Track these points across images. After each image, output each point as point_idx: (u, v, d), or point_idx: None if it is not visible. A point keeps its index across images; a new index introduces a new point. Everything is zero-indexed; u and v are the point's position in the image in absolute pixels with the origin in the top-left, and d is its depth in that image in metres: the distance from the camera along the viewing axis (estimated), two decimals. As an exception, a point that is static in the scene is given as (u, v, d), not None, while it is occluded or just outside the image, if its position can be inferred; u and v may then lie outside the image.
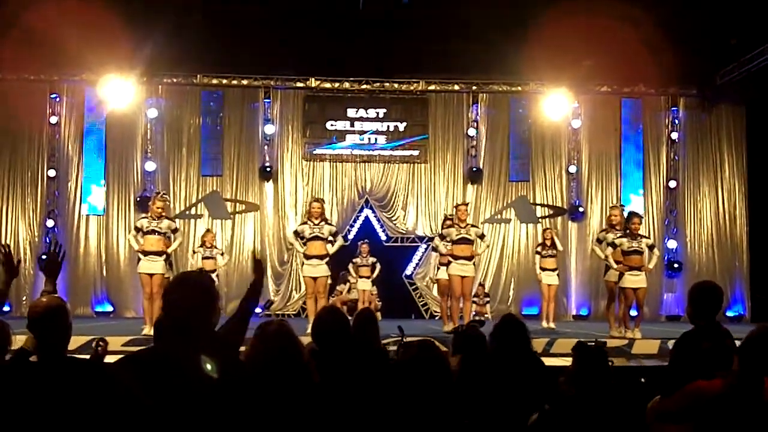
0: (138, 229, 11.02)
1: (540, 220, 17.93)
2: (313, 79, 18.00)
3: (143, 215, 12.00)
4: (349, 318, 5.26)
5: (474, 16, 14.53)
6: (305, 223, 11.29)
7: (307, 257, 11.10)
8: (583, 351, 3.91)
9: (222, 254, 14.71)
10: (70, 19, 13.30)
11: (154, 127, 17.80)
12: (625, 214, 11.90)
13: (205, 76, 17.83)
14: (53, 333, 3.40)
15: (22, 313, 15.91)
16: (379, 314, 16.04)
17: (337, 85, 18.12)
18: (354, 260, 15.38)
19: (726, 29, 15.34)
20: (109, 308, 17.41)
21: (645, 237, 11.48)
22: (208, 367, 3.03)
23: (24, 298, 16.91)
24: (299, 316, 16.83)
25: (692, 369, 3.96)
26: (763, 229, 17.68)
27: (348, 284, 16.20)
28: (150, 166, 17.64)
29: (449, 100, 18.47)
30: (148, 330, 10.17)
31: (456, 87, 18.34)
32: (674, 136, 18.36)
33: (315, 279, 11.05)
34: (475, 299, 15.59)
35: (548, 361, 7.28)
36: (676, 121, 18.44)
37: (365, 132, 18.13)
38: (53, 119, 17.54)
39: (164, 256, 10.94)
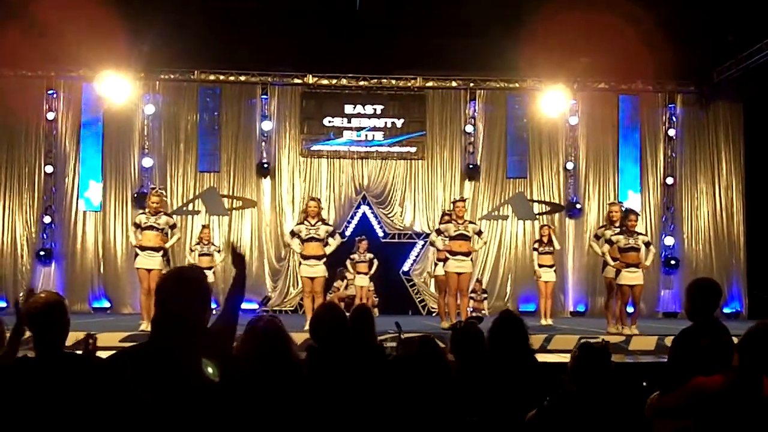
0: (137, 225, 11.02)
1: (537, 216, 17.95)
2: (310, 76, 17.99)
3: (141, 211, 11.99)
4: (347, 314, 5.26)
5: (472, 12, 14.50)
6: (302, 222, 11.28)
7: (305, 257, 11.10)
8: (587, 350, 3.92)
9: (219, 251, 14.70)
10: (67, 15, 13.27)
11: (151, 123, 17.79)
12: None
13: (202, 73, 17.83)
14: (51, 329, 3.39)
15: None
16: (376, 310, 16.07)
17: (334, 81, 18.11)
18: (351, 257, 15.36)
19: (723, 26, 15.33)
20: (107, 304, 17.40)
21: (641, 234, 11.49)
22: (203, 362, 3.03)
23: (21, 295, 16.90)
24: (296, 312, 16.85)
25: (691, 365, 3.97)
26: (760, 226, 17.71)
27: (345, 281, 16.18)
28: (147, 162, 17.63)
29: (447, 97, 18.48)
30: (146, 326, 10.16)
31: (453, 83, 18.35)
32: (672, 133, 18.39)
33: (312, 279, 11.05)
34: (472, 296, 15.60)
35: (546, 358, 7.31)
36: (674, 118, 18.46)
37: (363, 128, 18.13)
38: (50, 115, 17.52)
39: (162, 252, 10.93)
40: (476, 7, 14.28)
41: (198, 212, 17.71)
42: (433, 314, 16.49)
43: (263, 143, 17.96)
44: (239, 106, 18.14)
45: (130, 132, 17.77)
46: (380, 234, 18.14)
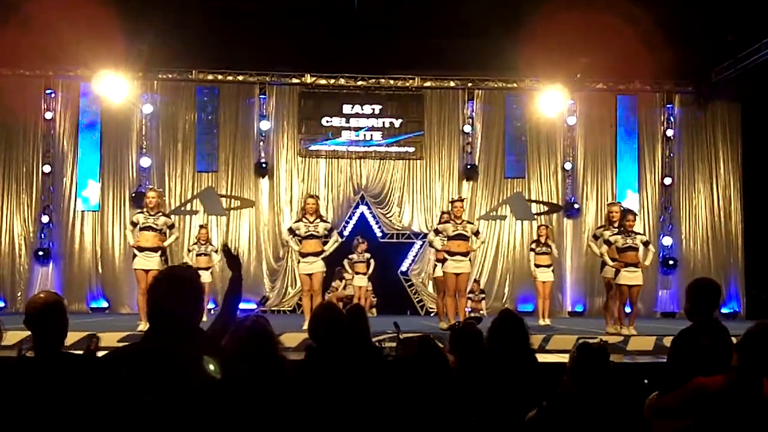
0: (134, 224, 10.98)
1: (535, 216, 17.96)
2: (308, 75, 17.98)
3: (139, 210, 11.96)
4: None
5: (470, 12, 14.49)
6: (300, 220, 11.27)
7: (303, 255, 11.09)
8: (586, 350, 3.92)
9: (216, 251, 14.66)
10: (65, 15, 13.24)
11: (149, 122, 17.78)
12: (620, 211, 11.92)
13: (200, 72, 17.81)
14: (50, 329, 3.40)
15: (17, 309, 15.93)
16: (374, 310, 16.09)
17: (332, 81, 18.10)
18: (349, 256, 15.35)
19: (722, 26, 15.33)
20: (105, 304, 17.38)
21: (639, 234, 11.49)
22: (198, 361, 3.03)
23: (19, 294, 16.91)
24: (295, 312, 16.85)
25: (691, 365, 3.97)
26: (758, 226, 17.73)
27: (344, 281, 16.18)
28: (145, 162, 17.61)
29: (445, 97, 18.47)
30: (144, 326, 10.14)
31: (452, 83, 18.34)
32: (669, 132, 18.40)
33: (311, 276, 11.04)
34: (470, 296, 15.60)
35: (545, 358, 7.31)
36: (672, 118, 18.47)
37: (361, 128, 18.12)
38: (48, 115, 17.51)
39: (159, 252, 10.91)
40: (475, 7, 14.26)
41: (196, 212, 17.70)
42: (432, 314, 16.48)
43: (261, 143, 17.95)
44: (237, 106, 18.12)
45: (128, 131, 17.75)
46: (378, 234, 18.14)
